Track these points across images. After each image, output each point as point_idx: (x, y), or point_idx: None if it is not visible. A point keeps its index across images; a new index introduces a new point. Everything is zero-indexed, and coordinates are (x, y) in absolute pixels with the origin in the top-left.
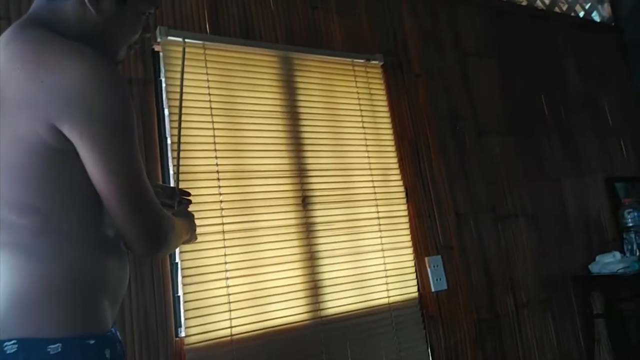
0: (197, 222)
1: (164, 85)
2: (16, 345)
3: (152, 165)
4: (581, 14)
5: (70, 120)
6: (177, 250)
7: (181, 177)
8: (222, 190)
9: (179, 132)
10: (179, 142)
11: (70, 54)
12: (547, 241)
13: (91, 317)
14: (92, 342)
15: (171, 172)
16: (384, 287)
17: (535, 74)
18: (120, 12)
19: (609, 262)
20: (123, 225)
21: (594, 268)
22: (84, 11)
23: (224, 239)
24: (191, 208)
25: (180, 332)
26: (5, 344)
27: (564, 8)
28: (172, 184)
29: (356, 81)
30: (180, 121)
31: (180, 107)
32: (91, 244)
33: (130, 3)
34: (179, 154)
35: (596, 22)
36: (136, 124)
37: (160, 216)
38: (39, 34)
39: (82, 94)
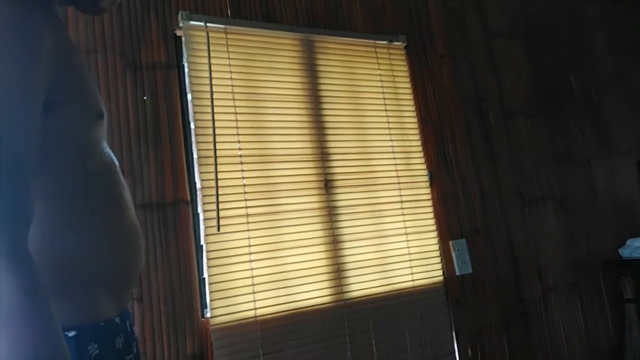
0: (224, 205)
1: (186, 70)
2: None
3: (176, 150)
4: None
5: None
6: (202, 233)
7: (203, 161)
8: (245, 175)
9: (213, 117)
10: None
11: None
12: (575, 225)
13: (73, 307)
14: (71, 334)
15: (195, 156)
16: (408, 271)
17: (564, 53)
18: None
19: None
20: None
21: (625, 252)
22: None
23: (248, 222)
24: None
25: (206, 312)
26: None
27: None
28: (196, 168)
29: (379, 63)
30: (212, 106)
31: (212, 93)
32: (64, 227)
33: None
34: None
35: None
36: (30, 107)
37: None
38: None
39: None
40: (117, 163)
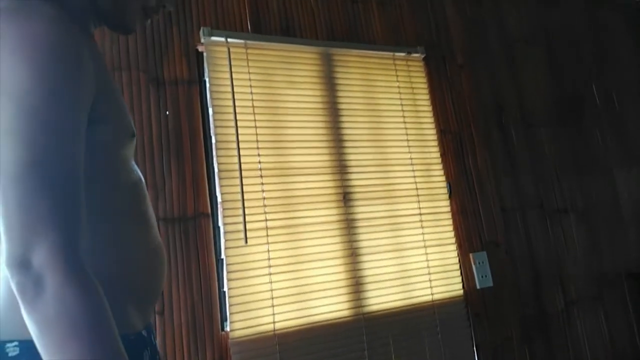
0: (242, 218)
1: (207, 85)
2: (18, 348)
3: (198, 164)
4: None
5: None
6: (223, 247)
7: (224, 174)
8: (265, 188)
9: (237, 131)
10: (237, 141)
11: (12, 23)
12: (599, 236)
13: None
14: None
15: (216, 169)
16: (427, 285)
17: (586, 61)
18: None
19: None
20: None
21: None
22: None
23: (267, 235)
24: (237, 205)
25: (226, 326)
26: (7, 345)
27: None
28: (217, 182)
29: (397, 75)
30: (236, 120)
31: (234, 107)
32: (97, 242)
33: None
34: (239, 152)
35: None
36: (76, 123)
37: (46, 260)
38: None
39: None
40: (143, 180)
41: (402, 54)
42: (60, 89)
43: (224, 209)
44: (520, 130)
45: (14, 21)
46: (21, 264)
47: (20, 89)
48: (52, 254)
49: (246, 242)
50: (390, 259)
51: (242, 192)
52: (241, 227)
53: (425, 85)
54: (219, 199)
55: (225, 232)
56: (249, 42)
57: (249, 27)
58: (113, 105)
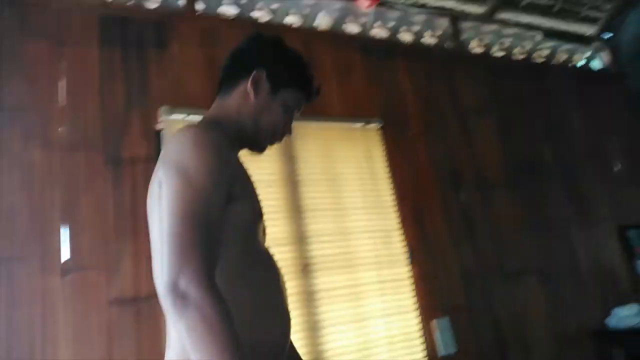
0: None
1: None
2: None
3: None
4: (581, 63)
5: (162, 168)
6: None
7: None
8: None
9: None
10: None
11: (183, 131)
12: (560, 296)
13: None
14: None
15: None
16: (390, 355)
17: (537, 126)
18: (270, 101)
19: (627, 316)
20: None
21: (611, 322)
22: (244, 100)
23: None
24: None
25: None
26: None
27: (564, 59)
28: None
29: (355, 145)
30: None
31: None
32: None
33: (280, 95)
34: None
35: (598, 70)
36: (220, 186)
37: (191, 280)
38: (189, 124)
39: (173, 153)
40: (272, 253)
41: (359, 125)
42: (210, 170)
43: None
44: (477, 195)
45: (195, 129)
46: (173, 287)
47: (186, 167)
48: (194, 277)
49: None
50: (351, 330)
51: None
52: None
53: (383, 155)
54: None
55: None
56: None
57: (211, 105)
58: (246, 189)
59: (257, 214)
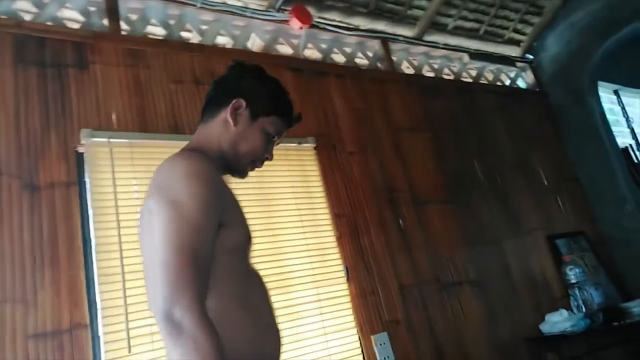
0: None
1: (88, 186)
2: None
3: (75, 270)
4: (507, 82)
5: (153, 198)
6: (103, 358)
7: (104, 279)
8: (129, 293)
9: (119, 232)
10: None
11: (173, 161)
12: (495, 305)
13: None
14: None
15: (96, 275)
16: None
17: (467, 142)
18: (250, 129)
19: (557, 321)
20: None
21: (545, 328)
22: (224, 128)
23: (152, 342)
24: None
25: None
26: None
27: (490, 78)
28: (97, 288)
29: (289, 165)
30: (118, 221)
31: (117, 207)
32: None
33: (260, 122)
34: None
35: (522, 88)
36: (211, 217)
37: (185, 312)
38: (176, 153)
39: (165, 183)
40: (259, 275)
41: (293, 145)
42: (202, 202)
43: (104, 317)
44: (412, 209)
45: (185, 159)
46: (169, 317)
47: (179, 199)
48: (189, 308)
49: (129, 350)
50: (289, 350)
51: (125, 297)
52: (124, 334)
53: (318, 173)
54: (99, 306)
55: (105, 342)
56: (134, 141)
57: (135, 127)
58: (236, 216)
59: (247, 237)
